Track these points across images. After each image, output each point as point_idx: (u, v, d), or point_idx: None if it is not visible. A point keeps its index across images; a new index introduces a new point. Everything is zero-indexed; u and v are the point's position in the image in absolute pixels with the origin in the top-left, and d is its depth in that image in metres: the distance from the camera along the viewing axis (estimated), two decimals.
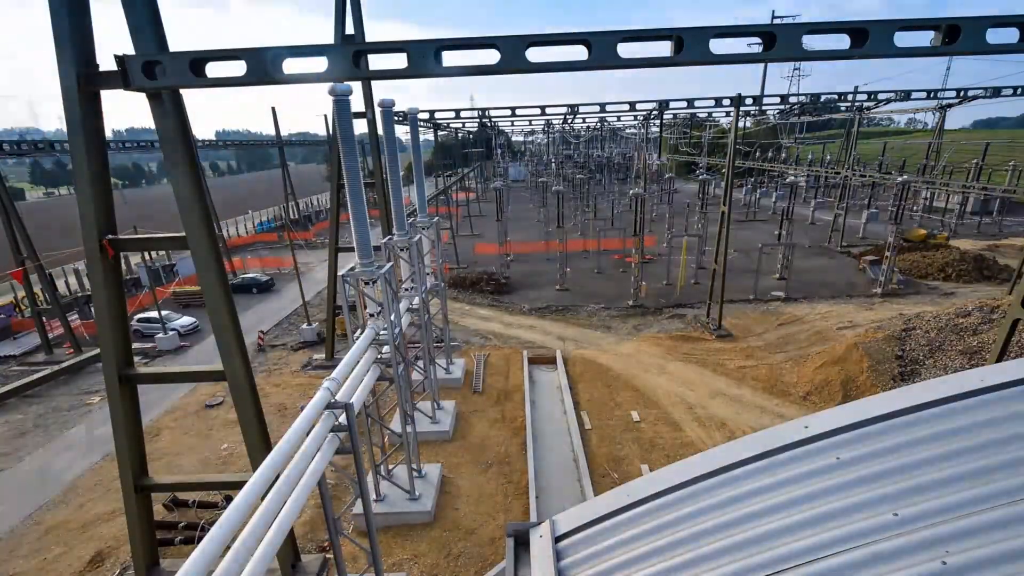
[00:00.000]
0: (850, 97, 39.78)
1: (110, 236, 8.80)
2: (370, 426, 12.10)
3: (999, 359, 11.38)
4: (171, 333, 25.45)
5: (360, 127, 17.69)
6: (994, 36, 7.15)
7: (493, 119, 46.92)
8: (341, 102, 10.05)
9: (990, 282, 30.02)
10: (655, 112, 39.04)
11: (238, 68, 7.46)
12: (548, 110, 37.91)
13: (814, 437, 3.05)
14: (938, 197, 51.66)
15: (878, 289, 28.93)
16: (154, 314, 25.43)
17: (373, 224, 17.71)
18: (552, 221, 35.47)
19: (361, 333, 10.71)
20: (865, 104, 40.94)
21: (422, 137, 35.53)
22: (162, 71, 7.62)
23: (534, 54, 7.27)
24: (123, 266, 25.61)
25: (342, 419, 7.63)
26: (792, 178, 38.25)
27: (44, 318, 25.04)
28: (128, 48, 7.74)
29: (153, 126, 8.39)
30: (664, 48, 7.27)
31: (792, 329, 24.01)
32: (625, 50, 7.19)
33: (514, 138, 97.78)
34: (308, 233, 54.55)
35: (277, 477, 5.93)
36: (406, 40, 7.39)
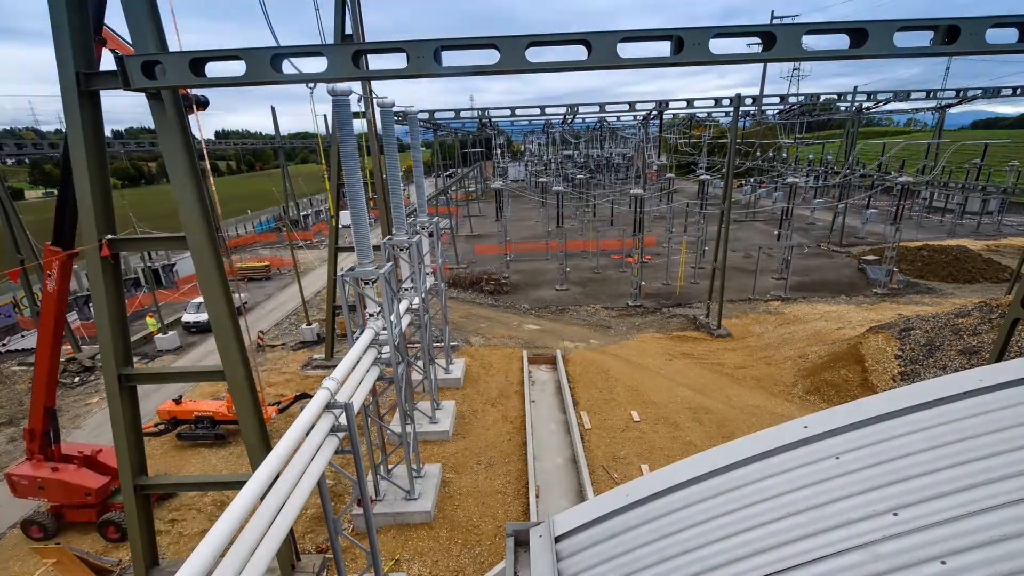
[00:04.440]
0: (849, 97, 39.86)
1: (109, 236, 8.80)
2: (370, 426, 12.10)
3: (998, 359, 11.39)
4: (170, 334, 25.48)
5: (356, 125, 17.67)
6: (993, 36, 7.16)
7: (493, 119, 46.99)
8: (341, 102, 10.04)
9: (989, 282, 30.06)
10: (654, 112, 39.09)
11: (238, 68, 7.46)
12: (548, 110, 37.96)
13: (814, 437, 3.05)
14: (938, 197, 51.73)
15: (877, 289, 28.96)
16: None
17: (372, 224, 17.69)
18: (552, 221, 35.51)
19: (361, 333, 10.71)
20: (864, 104, 41.02)
21: (422, 137, 35.49)
22: (162, 71, 7.61)
23: (534, 54, 7.27)
24: (123, 266, 25.63)
25: (342, 419, 7.63)
26: (791, 178, 38.31)
27: None
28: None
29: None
30: (664, 48, 7.28)
31: (791, 329, 24.02)
32: (625, 50, 7.20)
33: (514, 138, 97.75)
34: (308, 233, 54.57)
35: (277, 477, 5.93)
36: (406, 40, 7.39)
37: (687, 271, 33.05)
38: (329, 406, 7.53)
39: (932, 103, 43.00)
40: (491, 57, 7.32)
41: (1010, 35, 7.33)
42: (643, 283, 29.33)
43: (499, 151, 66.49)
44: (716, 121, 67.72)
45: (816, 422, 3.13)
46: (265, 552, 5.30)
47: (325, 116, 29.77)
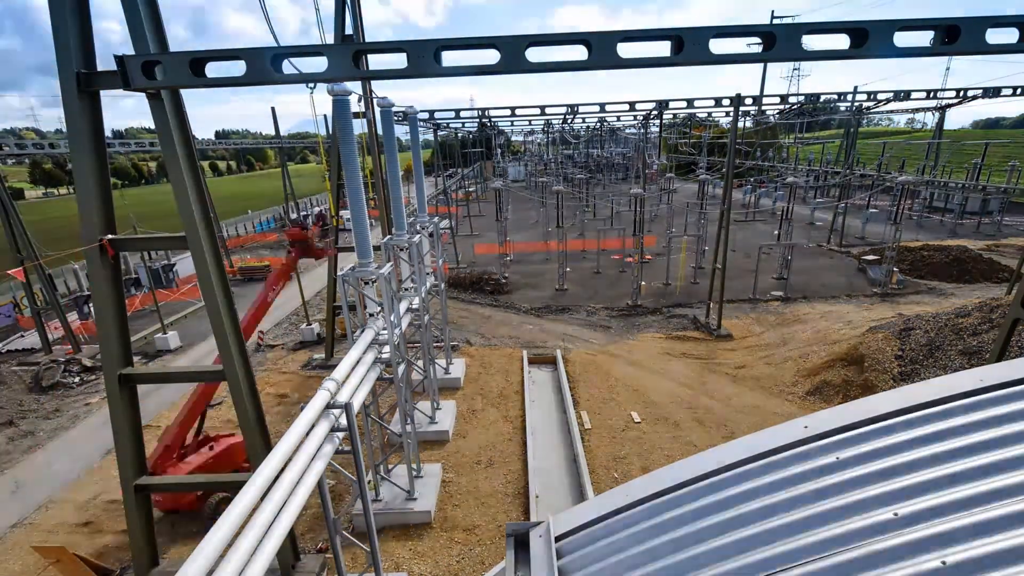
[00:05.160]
0: (850, 97, 39.84)
1: (110, 236, 8.81)
2: (370, 426, 12.11)
3: (999, 359, 11.39)
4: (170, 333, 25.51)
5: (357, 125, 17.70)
6: (994, 36, 7.16)
7: (493, 119, 46.96)
8: (341, 102, 10.05)
9: (990, 282, 30.04)
10: (655, 112, 39.07)
11: (238, 68, 7.46)
12: (548, 110, 37.94)
13: (814, 437, 3.05)
14: (938, 197, 51.75)
15: (877, 289, 28.95)
16: None
17: (372, 224, 17.69)
18: (552, 221, 35.52)
19: (361, 333, 10.71)
20: (865, 104, 41.00)
21: (421, 137, 35.54)
22: (162, 71, 7.62)
23: (534, 54, 7.28)
24: (123, 266, 25.65)
25: (342, 419, 7.63)
26: (792, 178, 38.33)
27: (43, 318, 25.09)
28: (128, 48, 7.75)
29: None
30: (664, 48, 7.28)
31: (791, 329, 24.02)
32: (625, 50, 7.20)
33: (514, 138, 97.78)
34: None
35: (277, 477, 5.93)
36: (406, 40, 7.39)
37: (687, 271, 33.05)
38: (329, 406, 7.53)
39: (932, 103, 42.98)
40: (491, 57, 7.32)
41: (1010, 35, 7.33)
42: (643, 283, 29.33)
43: (499, 151, 66.50)
44: (716, 121, 67.72)
45: (816, 422, 3.13)
46: (265, 552, 5.31)
47: (325, 116, 29.80)
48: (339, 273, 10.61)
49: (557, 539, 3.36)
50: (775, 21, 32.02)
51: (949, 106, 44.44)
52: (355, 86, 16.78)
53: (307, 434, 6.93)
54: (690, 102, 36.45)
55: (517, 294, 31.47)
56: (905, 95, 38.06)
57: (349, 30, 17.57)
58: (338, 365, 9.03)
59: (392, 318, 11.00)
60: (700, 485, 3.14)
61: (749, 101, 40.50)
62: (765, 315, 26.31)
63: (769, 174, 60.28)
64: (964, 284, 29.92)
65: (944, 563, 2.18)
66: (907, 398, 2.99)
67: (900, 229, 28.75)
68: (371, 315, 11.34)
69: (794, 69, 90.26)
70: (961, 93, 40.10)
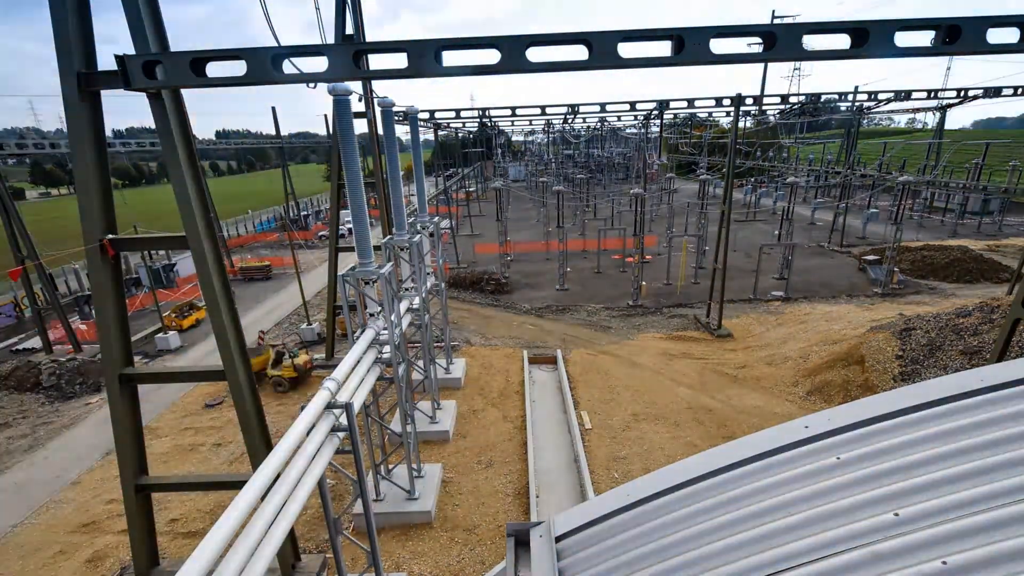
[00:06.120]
0: (850, 97, 39.84)
1: (110, 236, 8.81)
2: (370, 426, 12.10)
3: (999, 359, 11.38)
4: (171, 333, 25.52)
5: (359, 125, 17.66)
6: (994, 36, 7.16)
7: (493, 119, 46.95)
8: (341, 102, 10.05)
9: (990, 282, 30.03)
10: (655, 112, 39.06)
11: (238, 68, 7.47)
12: (548, 110, 37.95)
13: (814, 437, 3.05)
14: (938, 197, 51.71)
15: (878, 289, 28.93)
16: None
17: (373, 224, 17.69)
18: (552, 221, 35.51)
19: (361, 333, 10.71)
20: (865, 104, 40.99)
21: (422, 137, 35.52)
22: (162, 71, 7.62)
23: (534, 54, 7.28)
24: (123, 265, 25.63)
25: (342, 419, 7.63)
26: (792, 178, 38.34)
27: (43, 318, 25.08)
28: (128, 48, 7.75)
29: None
30: (664, 48, 7.28)
31: (792, 329, 24.01)
32: (625, 50, 7.20)
33: (514, 138, 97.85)
34: (308, 233, 54.59)
35: (277, 477, 5.93)
36: (406, 40, 7.39)
37: (688, 271, 33.04)
38: (329, 406, 7.53)
39: (933, 103, 42.96)
40: (492, 57, 7.32)
41: (1011, 35, 7.32)
42: (644, 283, 29.33)
43: (499, 151, 66.50)
44: (716, 121, 67.74)
45: (816, 422, 3.13)
46: (266, 552, 5.31)
47: (326, 116, 29.79)
48: (339, 273, 10.61)
49: (558, 539, 3.37)
50: (775, 21, 31.96)
51: (950, 106, 44.43)
52: (356, 86, 16.79)
53: (308, 434, 6.93)
54: (690, 102, 36.44)
55: (517, 294, 31.48)
56: (905, 95, 38.06)
57: (350, 30, 17.57)
58: (338, 365, 9.03)
59: (392, 318, 11.00)
60: (700, 485, 3.14)
61: (750, 101, 40.51)
62: (766, 315, 26.30)
63: (769, 174, 60.23)
64: (964, 284, 29.91)
65: (945, 563, 2.18)
66: (907, 398, 2.99)
67: (901, 229, 28.74)
68: (371, 315, 11.34)
69: (795, 69, 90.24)
70: (961, 93, 40.09)
